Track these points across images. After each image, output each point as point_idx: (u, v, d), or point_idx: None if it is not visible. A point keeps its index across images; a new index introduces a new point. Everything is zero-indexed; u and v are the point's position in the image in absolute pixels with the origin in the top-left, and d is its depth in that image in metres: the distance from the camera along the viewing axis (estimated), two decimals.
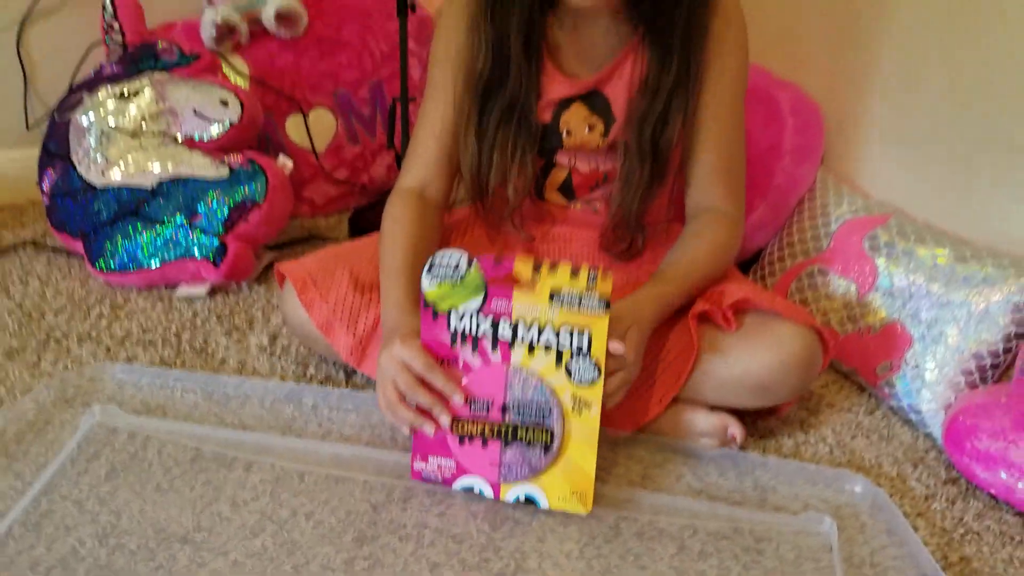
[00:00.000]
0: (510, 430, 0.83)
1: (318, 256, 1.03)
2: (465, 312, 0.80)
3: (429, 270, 0.79)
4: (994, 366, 1.01)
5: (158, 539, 0.79)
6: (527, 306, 0.79)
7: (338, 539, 0.80)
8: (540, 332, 0.79)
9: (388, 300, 0.92)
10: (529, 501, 0.85)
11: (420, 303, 0.81)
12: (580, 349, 0.79)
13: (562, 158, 1.05)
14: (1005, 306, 0.99)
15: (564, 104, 1.01)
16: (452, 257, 0.79)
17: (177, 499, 0.84)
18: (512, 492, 0.85)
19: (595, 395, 0.80)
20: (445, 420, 0.82)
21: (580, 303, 0.78)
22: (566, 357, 0.80)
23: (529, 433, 0.83)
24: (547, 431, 0.82)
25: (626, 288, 0.99)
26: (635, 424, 0.95)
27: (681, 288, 0.96)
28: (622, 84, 1.00)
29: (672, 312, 0.95)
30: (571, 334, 0.79)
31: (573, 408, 0.81)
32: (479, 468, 0.84)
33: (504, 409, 0.83)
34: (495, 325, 0.80)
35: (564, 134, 1.02)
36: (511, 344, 0.80)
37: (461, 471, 0.85)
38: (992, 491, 0.93)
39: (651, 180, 0.99)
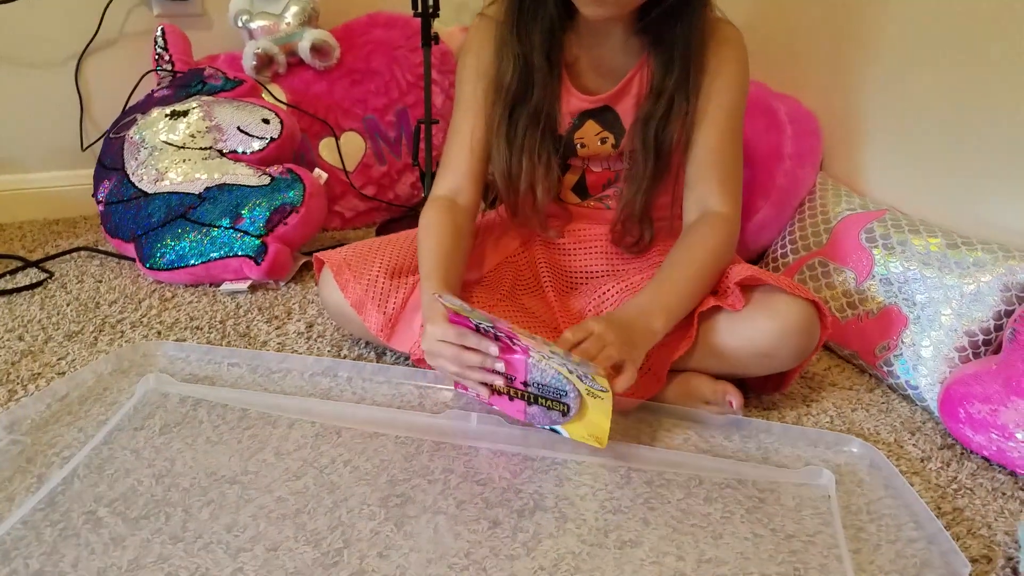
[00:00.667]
0: (532, 397, 0.92)
1: (353, 246, 1.13)
2: (481, 324, 0.90)
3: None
4: (986, 342, 1.07)
5: (209, 480, 0.86)
6: (539, 352, 0.88)
7: (373, 481, 0.87)
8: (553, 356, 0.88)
9: (425, 298, 1.00)
10: (553, 431, 0.94)
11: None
12: (586, 376, 0.87)
13: (576, 161, 1.15)
14: (995, 286, 1.06)
15: (578, 121, 1.11)
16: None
17: (226, 449, 0.92)
18: (538, 424, 0.94)
19: (606, 394, 0.88)
20: (497, 367, 0.92)
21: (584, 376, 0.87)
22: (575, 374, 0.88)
23: (549, 403, 0.92)
24: (564, 404, 0.91)
25: (641, 282, 1.08)
26: (642, 396, 1.02)
27: (682, 296, 1.00)
28: (630, 99, 1.09)
29: (677, 319, 0.99)
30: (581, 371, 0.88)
31: (587, 394, 0.90)
32: (510, 411, 0.95)
33: (526, 384, 0.92)
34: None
35: (579, 146, 1.12)
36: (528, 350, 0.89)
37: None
38: (984, 453, 0.99)
39: (654, 177, 1.08)
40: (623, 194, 1.11)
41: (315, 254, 1.13)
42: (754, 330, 0.99)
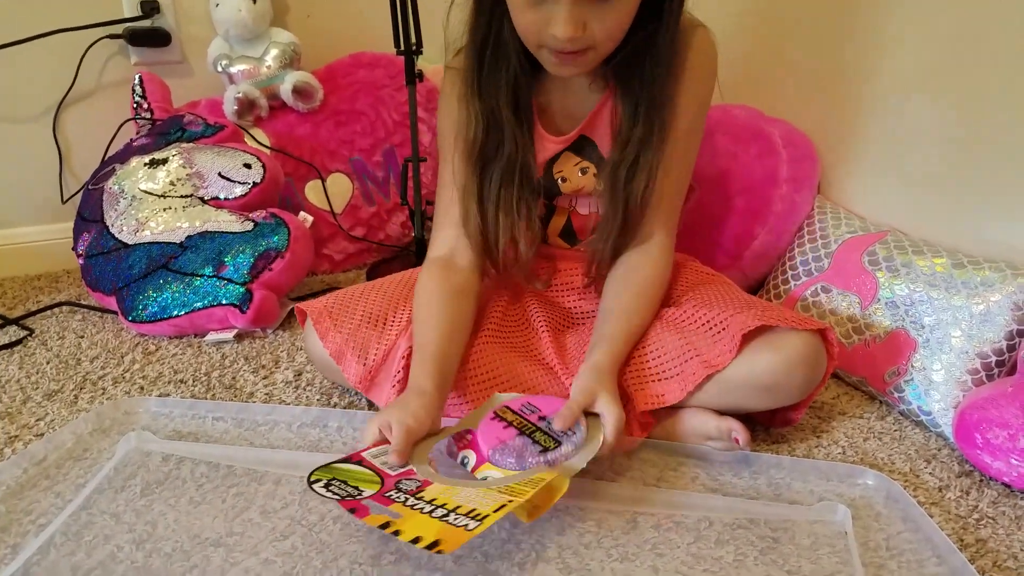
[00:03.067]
0: (534, 431, 0.88)
1: (336, 293, 1.09)
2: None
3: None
4: (999, 363, 1.03)
5: (192, 543, 0.82)
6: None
7: (364, 538, 0.83)
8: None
9: (413, 374, 0.95)
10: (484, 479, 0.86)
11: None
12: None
13: (563, 201, 1.12)
14: (1005, 305, 1.02)
15: (553, 159, 1.08)
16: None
17: (210, 509, 0.87)
18: (484, 471, 0.87)
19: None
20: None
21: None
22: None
23: (543, 437, 0.87)
24: (556, 442, 0.86)
25: None
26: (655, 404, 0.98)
27: (626, 342, 1.00)
28: (603, 127, 1.06)
29: (622, 360, 0.99)
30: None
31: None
32: (485, 438, 0.88)
33: (542, 419, 0.89)
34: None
35: (560, 181, 1.09)
36: None
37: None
38: (1005, 480, 0.95)
39: (623, 226, 1.04)
40: (593, 241, 1.08)
41: (296, 305, 1.09)
42: (755, 364, 0.95)
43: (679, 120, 1.03)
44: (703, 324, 1.00)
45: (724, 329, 0.97)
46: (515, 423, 0.90)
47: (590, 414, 0.90)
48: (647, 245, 1.06)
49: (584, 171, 1.08)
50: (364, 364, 1.02)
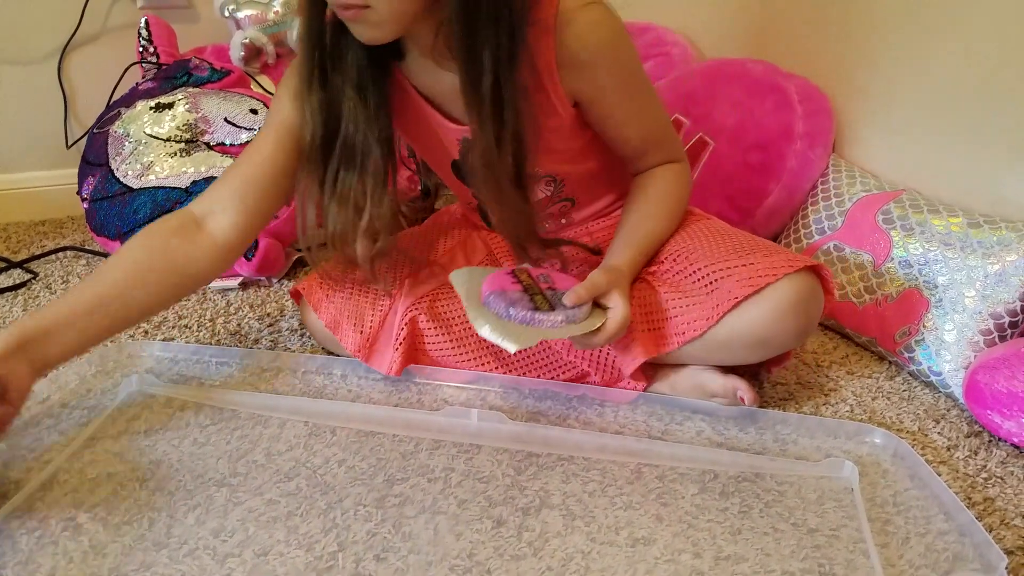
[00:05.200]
0: (537, 294, 0.88)
1: (323, 265, 1.04)
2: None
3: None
4: (1012, 324, 1.02)
5: (196, 483, 0.82)
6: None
7: (369, 480, 0.82)
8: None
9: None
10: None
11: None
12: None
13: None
14: (1021, 265, 1.01)
15: (467, 142, 0.97)
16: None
17: (213, 451, 0.87)
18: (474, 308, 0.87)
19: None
20: None
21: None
22: None
23: (542, 302, 0.87)
24: (552, 308, 0.86)
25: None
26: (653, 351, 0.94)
27: (643, 246, 0.97)
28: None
29: (639, 265, 0.97)
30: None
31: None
32: (491, 284, 0.89)
33: (552, 290, 0.89)
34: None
35: None
36: None
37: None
38: (1014, 440, 0.94)
39: (515, 205, 0.95)
40: (497, 226, 1.04)
41: (292, 289, 1.08)
42: (741, 318, 0.89)
43: (599, 86, 0.93)
44: (690, 275, 0.95)
45: (713, 291, 0.91)
46: (525, 283, 0.89)
47: (599, 305, 0.89)
48: (656, 171, 1.02)
49: None
50: (361, 332, 1.01)
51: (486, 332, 0.83)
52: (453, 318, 1.02)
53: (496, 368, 1.01)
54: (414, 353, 1.02)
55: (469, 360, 1.02)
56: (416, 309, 1.02)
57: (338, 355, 1.07)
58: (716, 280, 0.92)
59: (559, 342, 0.99)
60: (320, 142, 0.92)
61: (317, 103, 0.90)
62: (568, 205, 1.09)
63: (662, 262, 1.00)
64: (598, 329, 0.87)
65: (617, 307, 0.88)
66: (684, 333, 0.92)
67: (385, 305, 1.02)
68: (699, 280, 0.94)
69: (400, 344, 1.00)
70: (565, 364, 1.01)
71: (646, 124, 1.00)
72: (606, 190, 1.08)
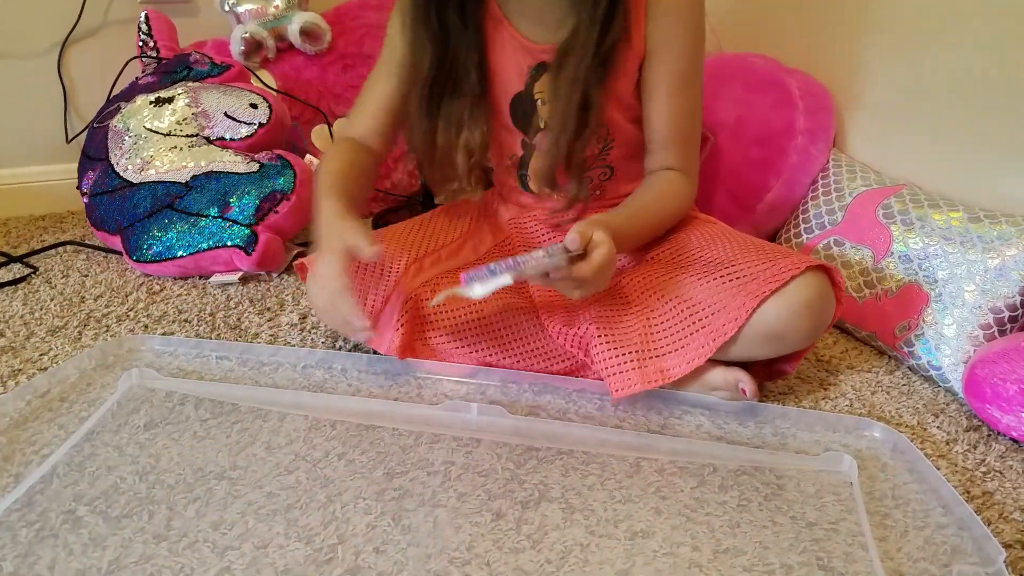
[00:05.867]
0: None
1: None
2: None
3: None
4: (1012, 319, 1.02)
5: (195, 476, 0.82)
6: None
7: (369, 474, 0.82)
8: None
9: (319, 215, 0.95)
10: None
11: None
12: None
13: (542, 139, 1.07)
14: (1021, 260, 1.01)
15: (535, 73, 1.05)
16: None
17: (213, 444, 0.87)
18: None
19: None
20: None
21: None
22: None
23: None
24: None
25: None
26: (659, 382, 0.95)
27: (634, 217, 1.01)
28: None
29: (628, 247, 1.02)
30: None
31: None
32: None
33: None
34: None
35: (539, 103, 1.06)
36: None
37: None
38: (1013, 435, 0.94)
39: (575, 134, 1.00)
40: (545, 143, 1.05)
41: (296, 262, 1.08)
42: (760, 313, 0.92)
43: (671, 45, 1.01)
44: (714, 275, 0.97)
45: (737, 292, 0.93)
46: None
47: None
48: (667, 172, 1.06)
49: None
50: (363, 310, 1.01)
51: (478, 290, 0.84)
52: (455, 307, 1.02)
53: (494, 357, 1.01)
54: (413, 342, 1.02)
55: (468, 349, 1.02)
56: (420, 292, 1.02)
57: (337, 332, 1.08)
58: (741, 279, 0.94)
59: (557, 332, 1.00)
60: (431, 70, 1.01)
61: (429, 34, 1.00)
62: (607, 172, 1.11)
63: (683, 255, 1.04)
64: (583, 259, 0.87)
65: (602, 242, 0.88)
66: (716, 340, 0.92)
67: (389, 286, 1.03)
68: (725, 279, 0.95)
69: (401, 326, 1.00)
70: (563, 354, 1.01)
71: (681, 115, 1.05)
72: (637, 176, 1.11)
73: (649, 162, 1.08)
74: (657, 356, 0.95)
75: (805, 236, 1.26)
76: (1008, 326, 1.02)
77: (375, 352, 1.04)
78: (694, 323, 0.94)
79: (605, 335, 0.96)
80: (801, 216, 1.29)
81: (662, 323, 0.97)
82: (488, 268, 0.85)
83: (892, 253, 1.13)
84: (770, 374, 1.03)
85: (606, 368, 0.95)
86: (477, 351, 1.02)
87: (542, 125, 1.07)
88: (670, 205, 1.06)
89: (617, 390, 0.94)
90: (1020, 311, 1.02)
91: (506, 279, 0.84)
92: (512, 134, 1.10)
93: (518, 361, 1.02)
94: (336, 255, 0.89)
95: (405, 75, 1.05)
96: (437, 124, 1.04)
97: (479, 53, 1.04)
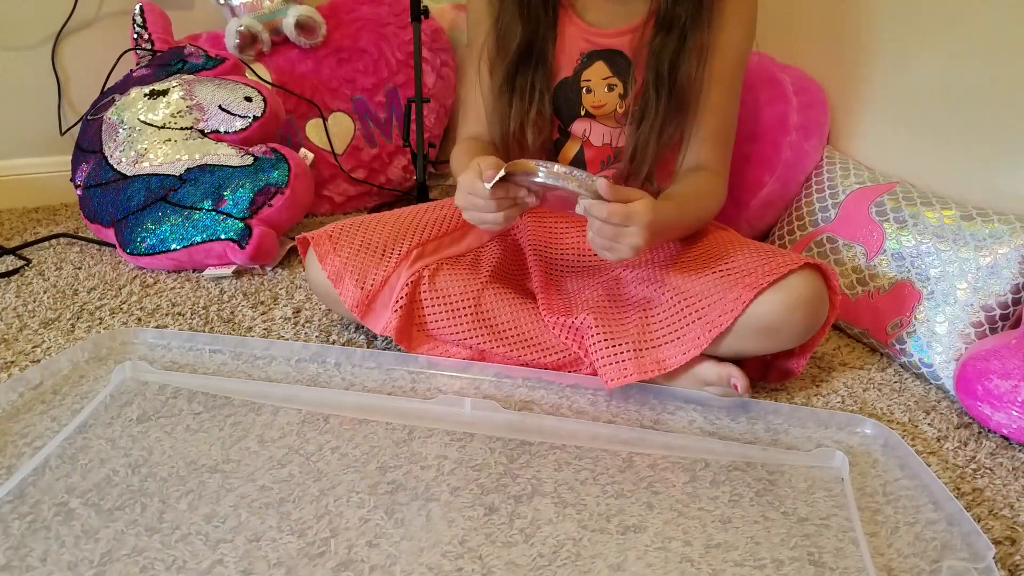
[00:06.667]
0: None
1: (341, 222, 1.09)
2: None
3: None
4: (1003, 316, 1.02)
5: (188, 469, 0.82)
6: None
7: (362, 468, 0.83)
8: None
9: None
10: None
11: None
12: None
13: (578, 127, 1.09)
14: (1013, 258, 1.01)
15: (586, 61, 1.07)
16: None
17: (206, 437, 0.87)
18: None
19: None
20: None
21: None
22: None
23: None
24: None
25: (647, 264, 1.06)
26: (655, 372, 0.96)
27: (674, 203, 1.01)
28: (644, 47, 1.05)
29: (666, 235, 1.02)
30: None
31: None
32: None
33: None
34: None
35: (584, 90, 1.07)
36: None
37: None
38: (1004, 432, 0.94)
39: (667, 114, 1.04)
40: (633, 135, 1.06)
41: (299, 236, 1.08)
42: (756, 306, 0.93)
43: (726, 39, 1.04)
44: (712, 270, 0.98)
45: (733, 284, 0.94)
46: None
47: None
48: (705, 173, 1.07)
49: (611, 87, 1.07)
50: (362, 288, 1.01)
51: (542, 173, 0.86)
52: (452, 292, 1.03)
53: (490, 343, 1.01)
54: (409, 327, 1.03)
55: (463, 333, 1.02)
56: (419, 276, 1.03)
57: (333, 318, 1.09)
58: (738, 273, 0.95)
59: (554, 322, 1.01)
60: (519, 47, 1.05)
61: (520, 14, 1.05)
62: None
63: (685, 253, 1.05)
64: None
65: (641, 200, 0.88)
66: (711, 331, 0.93)
67: (389, 267, 1.03)
68: (722, 272, 0.96)
69: (399, 308, 1.01)
70: (556, 346, 1.02)
71: (724, 112, 1.07)
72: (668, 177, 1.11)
73: (685, 158, 1.09)
74: (653, 347, 0.96)
75: (799, 233, 1.27)
76: (1000, 324, 1.02)
77: (371, 338, 1.05)
78: (690, 314, 0.95)
79: (601, 326, 0.97)
80: (795, 212, 1.29)
81: (658, 314, 0.97)
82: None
83: (885, 250, 1.13)
84: (778, 374, 1.04)
85: (602, 358, 0.96)
86: (472, 338, 1.02)
87: (582, 112, 1.09)
88: (706, 206, 1.06)
89: (612, 380, 0.95)
90: (1012, 309, 1.02)
91: (558, 176, 0.86)
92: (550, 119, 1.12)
93: (511, 350, 1.02)
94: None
95: (491, 50, 1.08)
96: (513, 99, 1.07)
97: (555, 33, 1.07)
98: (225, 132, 1.37)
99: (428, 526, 0.75)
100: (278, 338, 1.10)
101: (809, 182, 1.31)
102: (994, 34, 1.10)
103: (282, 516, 0.75)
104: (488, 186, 0.87)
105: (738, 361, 0.98)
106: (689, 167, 1.08)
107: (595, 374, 0.99)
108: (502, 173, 0.87)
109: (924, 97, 1.21)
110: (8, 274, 1.28)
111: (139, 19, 1.51)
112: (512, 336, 1.02)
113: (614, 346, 0.96)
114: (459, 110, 1.17)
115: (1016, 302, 1.02)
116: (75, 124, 1.57)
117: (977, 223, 1.06)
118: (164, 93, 1.38)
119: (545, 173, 0.86)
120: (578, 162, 1.12)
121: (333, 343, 1.10)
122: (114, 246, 1.35)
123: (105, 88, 1.53)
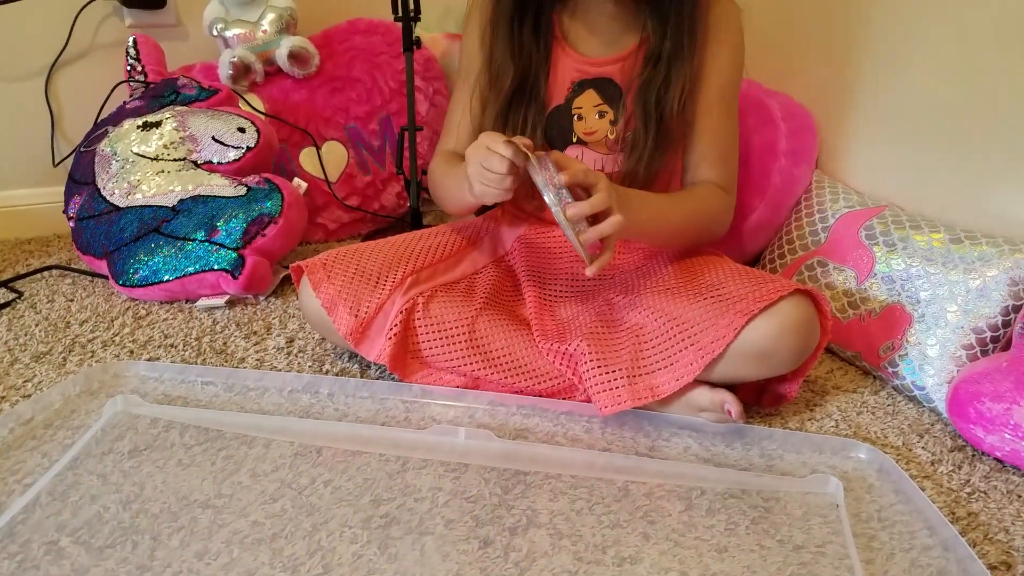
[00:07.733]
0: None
1: (335, 250, 1.09)
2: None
3: None
4: (994, 339, 1.03)
5: (180, 505, 0.81)
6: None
7: (355, 501, 0.82)
8: None
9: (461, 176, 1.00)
10: None
11: None
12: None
13: (570, 154, 1.10)
14: (1002, 280, 1.02)
15: (577, 89, 1.09)
16: None
17: (198, 472, 0.87)
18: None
19: None
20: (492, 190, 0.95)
21: None
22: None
23: None
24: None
25: (641, 286, 1.07)
26: (649, 398, 0.96)
27: (652, 199, 1.04)
28: (634, 78, 1.07)
29: (647, 232, 1.04)
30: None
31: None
32: None
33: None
34: None
35: (576, 117, 1.09)
36: None
37: None
38: (997, 454, 0.94)
39: (656, 145, 1.06)
40: (623, 164, 1.09)
41: (293, 265, 1.08)
42: (748, 331, 0.93)
43: (716, 63, 1.06)
44: (704, 296, 0.98)
45: (725, 310, 0.94)
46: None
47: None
48: (711, 185, 1.09)
49: (602, 115, 1.09)
50: (356, 316, 1.01)
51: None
52: (446, 319, 1.03)
53: (484, 370, 1.01)
54: (403, 354, 1.03)
55: (458, 360, 1.02)
56: (414, 303, 1.03)
57: (326, 347, 1.10)
58: (730, 299, 0.95)
59: (548, 349, 1.02)
60: (512, 84, 1.07)
61: (511, 52, 1.07)
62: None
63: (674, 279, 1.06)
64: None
65: (600, 178, 0.91)
66: (704, 357, 0.94)
67: (383, 294, 1.03)
68: (715, 299, 0.97)
69: (393, 335, 1.01)
70: (550, 372, 1.02)
71: (722, 133, 1.09)
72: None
73: (689, 175, 1.11)
74: (646, 373, 0.96)
75: (789, 257, 1.27)
76: (990, 346, 1.03)
77: (365, 366, 1.05)
78: (683, 340, 0.95)
79: (595, 352, 0.97)
80: (785, 237, 1.30)
81: (651, 340, 0.97)
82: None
83: (875, 274, 1.14)
84: (772, 399, 1.04)
85: (595, 385, 0.95)
86: (466, 364, 1.02)
87: (574, 140, 1.10)
88: (701, 206, 1.08)
89: (606, 407, 0.94)
90: (1002, 331, 1.03)
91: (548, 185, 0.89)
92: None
93: (505, 377, 1.02)
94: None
95: (484, 88, 1.10)
96: (505, 132, 1.07)
97: (548, 68, 1.09)
98: (218, 163, 1.38)
99: (422, 560, 0.74)
100: (271, 368, 1.10)
101: (799, 206, 1.32)
102: (981, 58, 1.11)
103: (274, 552, 0.75)
104: (507, 154, 0.90)
105: (732, 387, 0.98)
106: (695, 180, 1.10)
107: (589, 401, 0.99)
108: (525, 152, 0.89)
109: (912, 121, 1.22)
110: (0, 307, 1.27)
111: (132, 51, 1.52)
112: (506, 363, 1.02)
113: (607, 372, 0.96)
114: (444, 123, 1.18)
115: (1006, 324, 1.02)
116: (68, 155, 1.57)
117: (966, 246, 1.06)
118: (157, 124, 1.39)
119: (542, 181, 0.89)
120: None
121: (327, 372, 1.09)
122: (107, 277, 1.35)
123: (98, 120, 1.53)
